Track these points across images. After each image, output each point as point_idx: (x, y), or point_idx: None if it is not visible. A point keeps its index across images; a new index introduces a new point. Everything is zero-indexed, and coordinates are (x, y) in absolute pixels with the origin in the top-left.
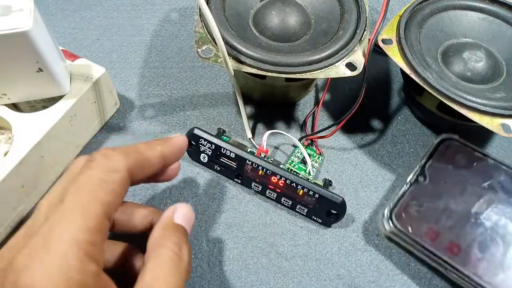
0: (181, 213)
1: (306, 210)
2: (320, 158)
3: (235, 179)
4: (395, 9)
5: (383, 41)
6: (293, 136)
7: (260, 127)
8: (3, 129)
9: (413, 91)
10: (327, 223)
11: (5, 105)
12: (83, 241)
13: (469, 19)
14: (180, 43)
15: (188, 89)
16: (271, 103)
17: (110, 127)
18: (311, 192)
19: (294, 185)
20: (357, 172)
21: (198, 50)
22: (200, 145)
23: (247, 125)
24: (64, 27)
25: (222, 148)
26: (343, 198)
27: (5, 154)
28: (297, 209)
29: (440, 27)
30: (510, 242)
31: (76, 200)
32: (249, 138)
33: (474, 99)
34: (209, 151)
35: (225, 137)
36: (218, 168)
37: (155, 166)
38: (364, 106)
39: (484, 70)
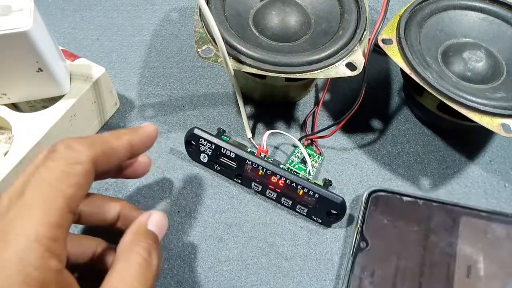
0: (154, 220)
1: (306, 210)
2: (320, 158)
3: (235, 179)
4: (395, 9)
5: (383, 41)
6: (293, 136)
7: (260, 127)
8: (3, 129)
9: (413, 91)
10: (327, 223)
11: (5, 105)
12: (44, 237)
13: (469, 19)
14: (180, 43)
15: (188, 89)
16: (271, 103)
17: (110, 127)
18: (311, 192)
19: (294, 185)
20: (357, 172)
21: (198, 50)
22: (200, 145)
23: (247, 125)
24: (64, 27)
25: (222, 148)
26: (343, 198)
27: (5, 154)
28: (297, 209)
29: (440, 27)
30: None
31: (36, 194)
32: (249, 138)
33: (474, 99)
34: (209, 151)
35: (225, 137)
36: (218, 168)
37: (122, 156)
38: (364, 106)
39: (484, 70)
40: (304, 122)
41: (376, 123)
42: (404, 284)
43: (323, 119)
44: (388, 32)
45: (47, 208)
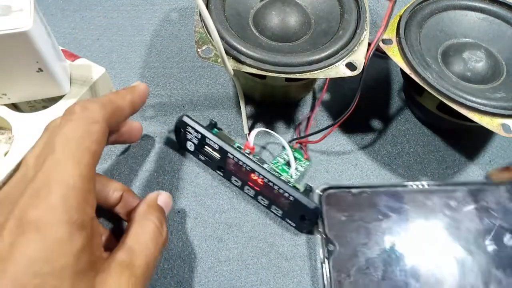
0: (162, 198)
1: (281, 212)
2: (306, 163)
3: (217, 171)
4: (395, 9)
5: (383, 41)
6: (287, 137)
7: (259, 127)
8: (3, 129)
9: (413, 91)
10: (300, 228)
11: (5, 105)
12: (80, 187)
13: (469, 19)
14: (180, 43)
15: (188, 89)
16: (271, 103)
17: None
18: (286, 194)
19: (272, 185)
20: (357, 172)
21: (198, 50)
22: (187, 133)
23: (245, 120)
24: (64, 27)
25: (207, 138)
26: (317, 205)
27: (5, 154)
28: (272, 209)
29: (440, 27)
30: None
31: (66, 150)
32: (246, 134)
33: (474, 99)
34: (196, 140)
35: (215, 130)
36: (203, 158)
37: (127, 113)
38: (364, 106)
39: (484, 70)
40: (298, 124)
41: (376, 123)
42: (378, 272)
43: (322, 119)
44: (388, 32)
45: (78, 163)
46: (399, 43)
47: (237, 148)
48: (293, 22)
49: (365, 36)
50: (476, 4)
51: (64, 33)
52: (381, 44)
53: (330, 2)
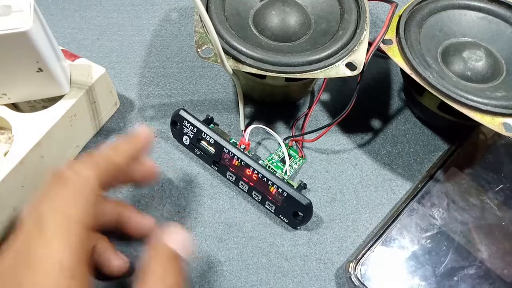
0: (173, 237)
1: (274, 207)
2: (301, 160)
3: (212, 166)
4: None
5: (383, 41)
6: (283, 135)
7: (260, 126)
8: (3, 129)
9: (413, 91)
10: (293, 224)
11: (5, 105)
12: (67, 265)
13: (468, 18)
14: (180, 43)
15: (188, 89)
16: (271, 103)
17: (110, 127)
18: (280, 190)
19: (265, 180)
20: (357, 172)
21: (198, 50)
22: (184, 127)
23: (242, 116)
24: (64, 27)
25: (203, 133)
26: (310, 201)
27: (5, 154)
28: (266, 205)
29: (439, 26)
30: None
31: (53, 225)
32: (242, 130)
33: (475, 98)
34: (191, 134)
35: (212, 125)
36: (198, 153)
37: (124, 166)
38: (364, 106)
39: (484, 69)
40: (294, 122)
41: (376, 123)
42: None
43: (322, 119)
44: (388, 32)
45: (66, 238)
46: (399, 43)
47: (232, 143)
48: (293, 22)
49: (365, 36)
50: (475, 3)
51: (64, 33)
52: (381, 45)
53: (330, 2)
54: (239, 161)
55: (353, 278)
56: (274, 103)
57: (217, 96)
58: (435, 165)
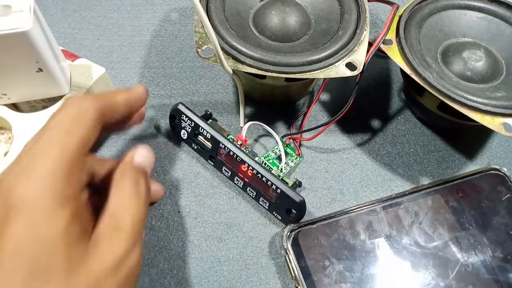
0: (140, 155)
1: (268, 204)
2: (298, 159)
3: (209, 161)
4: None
5: (383, 41)
6: (283, 134)
7: (259, 127)
8: (3, 129)
9: (413, 91)
10: (286, 221)
11: (5, 105)
12: (65, 163)
13: (468, 18)
14: (180, 43)
15: (188, 89)
16: (271, 103)
17: None
18: (274, 187)
19: (260, 177)
20: (357, 172)
21: (198, 50)
22: (182, 121)
23: (242, 113)
24: (64, 27)
25: (200, 127)
26: (303, 199)
27: (5, 154)
28: (260, 201)
29: (439, 26)
30: None
31: (55, 132)
32: (241, 127)
33: (475, 98)
34: (189, 128)
35: (210, 120)
36: (195, 147)
37: (122, 110)
38: (364, 106)
39: (484, 69)
40: (293, 121)
41: (376, 123)
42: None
43: (323, 119)
44: (388, 32)
45: (65, 143)
46: (399, 43)
47: (229, 139)
48: (293, 22)
49: (365, 36)
50: (475, 3)
51: (64, 33)
52: (381, 45)
53: (330, 2)
54: (234, 156)
55: (284, 239)
56: (274, 103)
57: (217, 96)
58: (422, 186)
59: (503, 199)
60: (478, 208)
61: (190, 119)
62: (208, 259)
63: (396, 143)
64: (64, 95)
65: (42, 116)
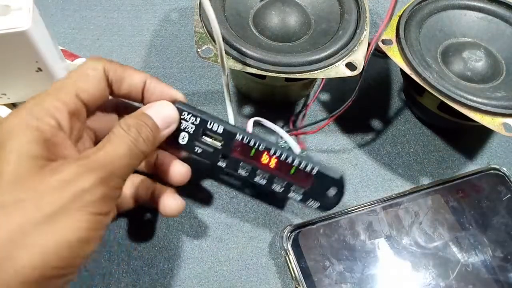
0: (155, 109)
1: (301, 193)
2: (303, 152)
3: (219, 162)
4: (395, 9)
5: (383, 41)
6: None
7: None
8: None
9: (413, 91)
10: (326, 206)
11: (5, 105)
12: (49, 106)
13: (468, 18)
14: (180, 43)
15: (188, 89)
16: (271, 104)
17: None
18: (308, 168)
19: (290, 161)
20: (357, 172)
21: (198, 50)
22: (182, 121)
23: (231, 112)
24: (64, 27)
25: (209, 122)
26: (342, 173)
27: None
28: (290, 194)
29: (439, 26)
30: None
31: (56, 84)
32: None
33: (475, 98)
34: (192, 127)
35: None
36: (199, 150)
37: (134, 82)
38: (364, 106)
39: (484, 70)
40: (291, 116)
41: (376, 123)
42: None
43: (322, 118)
44: (388, 32)
45: (59, 90)
46: (399, 43)
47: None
48: (293, 22)
49: (365, 36)
50: (475, 3)
51: (64, 33)
52: (381, 45)
53: (330, 2)
54: (255, 146)
55: (284, 239)
56: (273, 104)
57: (217, 97)
58: (422, 186)
59: (503, 199)
60: (478, 208)
61: (193, 115)
62: (208, 259)
63: (396, 143)
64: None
65: None
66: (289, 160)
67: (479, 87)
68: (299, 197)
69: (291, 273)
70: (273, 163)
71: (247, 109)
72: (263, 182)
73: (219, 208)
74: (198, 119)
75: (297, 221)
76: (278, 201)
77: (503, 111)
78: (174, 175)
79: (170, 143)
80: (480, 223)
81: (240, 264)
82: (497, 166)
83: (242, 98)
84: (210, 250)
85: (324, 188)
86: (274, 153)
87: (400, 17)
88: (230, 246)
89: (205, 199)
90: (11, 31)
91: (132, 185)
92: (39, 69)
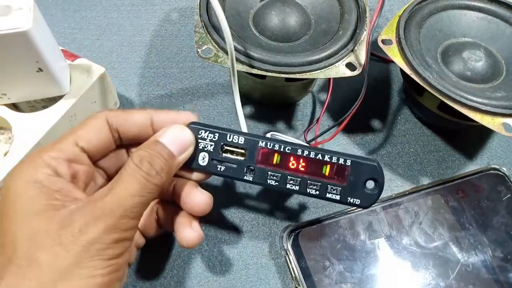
0: (168, 134)
1: (339, 191)
2: None
3: (245, 177)
4: (395, 9)
5: (383, 41)
6: (292, 136)
7: (259, 127)
8: (3, 129)
9: (413, 91)
10: (367, 201)
11: (5, 105)
12: (49, 155)
13: (468, 18)
14: (180, 43)
15: (188, 89)
16: (271, 103)
17: None
18: (341, 161)
19: (320, 158)
20: None
21: (198, 50)
22: (199, 141)
23: (242, 119)
24: (64, 27)
25: (229, 135)
26: (377, 160)
27: (5, 154)
28: (327, 195)
29: (439, 26)
30: None
31: (60, 136)
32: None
33: (475, 98)
34: (211, 145)
35: None
36: (223, 168)
37: (140, 123)
38: (364, 106)
39: (484, 70)
40: (306, 130)
41: (376, 123)
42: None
43: (328, 121)
44: (388, 32)
45: (59, 140)
46: (399, 43)
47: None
48: (293, 22)
49: (365, 36)
50: (475, 3)
51: (64, 33)
52: (381, 45)
53: (330, 2)
54: (281, 149)
55: (284, 239)
56: (274, 104)
57: (217, 97)
58: (422, 186)
59: (503, 199)
60: (478, 208)
61: (211, 132)
62: (208, 259)
63: (396, 143)
64: (64, 95)
65: (42, 116)
66: (319, 157)
67: (479, 87)
68: (337, 197)
69: (291, 273)
70: (302, 165)
71: (247, 109)
72: (296, 188)
73: (219, 208)
74: (217, 135)
75: (297, 221)
76: (278, 201)
77: (503, 111)
78: (194, 205)
79: (190, 166)
80: (480, 223)
81: (240, 264)
82: (497, 166)
83: (242, 98)
84: (210, 250)
85: (361, 182)
86: (302, 153)
87: (400, 17)
88: (230, 246)
89: None
90: (12, 32)
91: (152, 211)
92: (40, 69)
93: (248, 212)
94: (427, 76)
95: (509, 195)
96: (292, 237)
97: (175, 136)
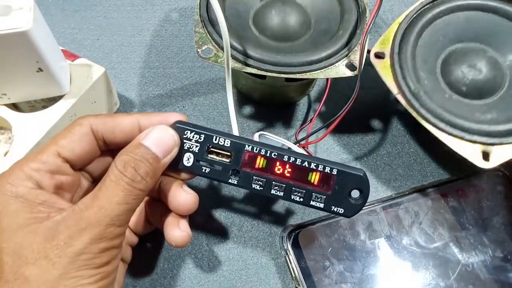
0: (151, 135)
1: (323, 200)
2: None
3: (230, 180)
4: (395, 9)
5: (376, 55)
6: (287, 138)
7: (259, 127)
8: (3, 129)
9: None
10: (351, 211)
11: (5, 105)
12: (30, 168)
13: (478, 21)
14: (180, 43)
15: (188, 89)
16: (271, 103)
17: None
18: (327, 170)
19: (306, 165)
20: None
21: (198, 50)
22: (185, 141)
23: (234, 121)
24: (64, 27)
25: (214, 137)
26: (364, 170)
27: (5, 154)
28: (311, 203)
29: (445, 31)
30: None
31: (41, 147)
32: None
33: (459, 123)
34: (196, 146)
35: None
36: (207, 170)
37: (126, 128)
38: (364, 106)
39: (481, 84)
40: (298, 130)
41: (376, 123)
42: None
43: (325, 120)
44: (384, 43)
45: (40, 151)
46: (391, 58)
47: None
48: (293, 22)
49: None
50: (489, 3)
51: (64, 33)
52: (372, 60)
53: (330, 2)
54: (265, 154)
55: (284, 239)
56: (273, 104)
57: (218, 97)
58: (422, 186)
59: (503, 199)
60: (478, 208)
61: (196, 132)
62: (208, 259)
63: (396, 143)
64: (64, 95)
65: (42, 116)
66: (305, 164)
67: (471, 103)
68: (321, 205)
69: (291, 273)
70: (288, 171)
71: (247, 109)
72: (281, 194)
73: (218, 208)
74: (203, 136)
75: (297, 221)
76: (279, 201)
77: (483, 139)
78: (179, 205)
79: (174, 167)
80: (480, 223)
81: (240, 264)
82: (497, 166)
83: (242, 98)
84: (210, 250)
85: (346, 191)
86: (288, 159)
87: (400, 24)
88: (230, 246)
89: (205, 199)
90: (12, 32)
91: (141, 210)
92: (40, 69)
93: (248, 212)
94: (413, 101)
95: (509, 195)
96: (292, 237)
97: (158, 137)
